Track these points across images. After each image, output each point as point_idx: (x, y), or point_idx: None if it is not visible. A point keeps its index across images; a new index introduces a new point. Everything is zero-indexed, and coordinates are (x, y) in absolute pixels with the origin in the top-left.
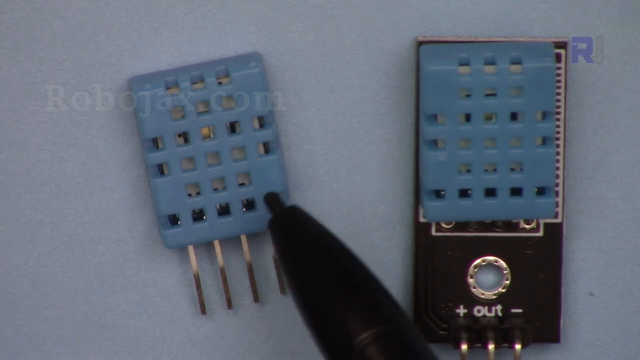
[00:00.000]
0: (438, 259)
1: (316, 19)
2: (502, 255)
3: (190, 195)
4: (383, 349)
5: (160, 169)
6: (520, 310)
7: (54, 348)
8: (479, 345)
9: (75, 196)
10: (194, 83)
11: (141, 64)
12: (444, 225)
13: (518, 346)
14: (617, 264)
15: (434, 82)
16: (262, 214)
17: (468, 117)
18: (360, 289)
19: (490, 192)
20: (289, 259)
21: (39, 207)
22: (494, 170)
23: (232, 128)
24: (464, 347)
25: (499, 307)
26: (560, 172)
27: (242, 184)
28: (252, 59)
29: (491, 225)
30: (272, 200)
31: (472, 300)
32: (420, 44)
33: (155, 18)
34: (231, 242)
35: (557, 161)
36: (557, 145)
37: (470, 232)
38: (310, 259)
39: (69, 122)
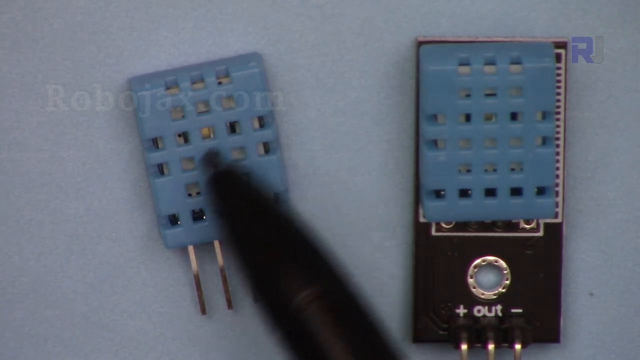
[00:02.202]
0: (438, 259)
1: (316, 19)
2: (502, 255)
3: (190, 195)
4: (323, 309)
5: (160, 169)
6: (520, 310)
7: (54, 348)
8: (479, 345)
9: (75, 196)
10: (194, 83)
11: (141, 64)
12: (444, 225)
13: (518, 346)
14: (617, 264)
15: (434, 82)
16: None
17: (468, 117)
18: (297, 249)
19: (490, 192)
20: (226, 218)
21: (39, 207)
22: (494, 170)
23: (232, 128)
24: (464, 347)
25: (499, 307)
26: (560, 172)
27: None
28: (252, 59)
29: (491, 225)
30: (212, 158)
31: (472, 300)
32: (420, 44)
33: (155, 18)
34: None
35: (557, 161)
36: (557, 145)
37: (470, 232)
38: (246, 217)
39: (69, 122)
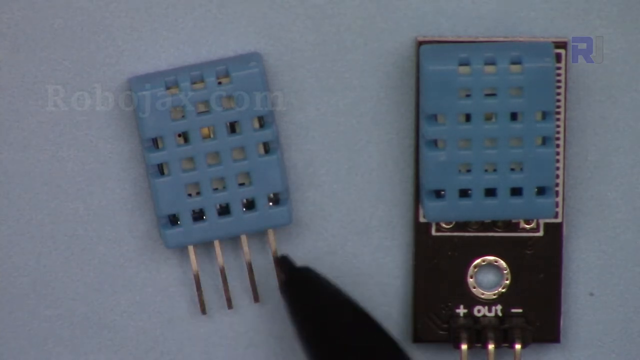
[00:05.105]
0: (438, 259)
1: (316, 19)
2: (502, 255)
3: (190, 195)
4: None
5: (160, 169)
6: (520, 310)
7: (54, 348)
8: (479, 345)
9: (75, 196)
10: (194, 83)
11: (141, 64)
12: (444, 225)
13: (518, 346)
14: (617, 264)
15: (434, 82)
16: (262, 214)
17: (468, 117)
18: (372, 343)
19: (490, 192)
20: (302, 320)
21: (39, 207)
22: (494, 170)
23: (232, 128)
24: (464, 347)
25: (499, 307)
26: (560, 172)
27: (242, 184)
28: (252, 59)
29: (491, 225)
30: (284, 262)
31: (472, 300)
32: (420, 44)
33: (155, 18)
34: (231, 242)
35: (557, 161)
36: (557, 145)
37: (470, 232)
38: (322, 319)
39: (69, 122)
